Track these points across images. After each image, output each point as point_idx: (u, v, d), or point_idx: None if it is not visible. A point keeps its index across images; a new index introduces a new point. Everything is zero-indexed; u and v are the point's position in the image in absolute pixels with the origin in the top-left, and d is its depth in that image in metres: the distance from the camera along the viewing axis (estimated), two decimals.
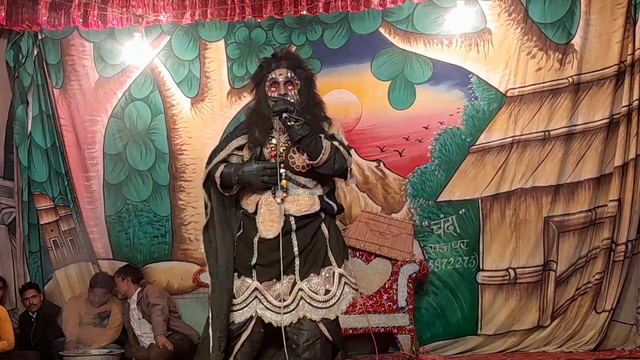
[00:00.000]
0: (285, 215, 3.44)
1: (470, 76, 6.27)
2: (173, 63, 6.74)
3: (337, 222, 6.22)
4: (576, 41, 6.04)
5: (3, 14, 6.09)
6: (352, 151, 6.35)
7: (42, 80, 6.77)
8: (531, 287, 6.06)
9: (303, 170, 3.46)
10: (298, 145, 3.42)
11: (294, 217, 3.46)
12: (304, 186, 3.49)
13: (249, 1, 6.14)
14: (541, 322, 6.02)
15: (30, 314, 6.36)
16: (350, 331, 5.74)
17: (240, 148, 3.63)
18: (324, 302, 3.38)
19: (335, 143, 3.45)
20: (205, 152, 6.62)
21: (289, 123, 3.36)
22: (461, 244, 6.21)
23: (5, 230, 6.79)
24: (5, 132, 6.84)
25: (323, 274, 3.44)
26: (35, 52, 6.75)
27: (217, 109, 6.64)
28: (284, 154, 3.47)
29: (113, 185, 6.80)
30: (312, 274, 3.43)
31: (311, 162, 3.40)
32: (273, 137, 3.46)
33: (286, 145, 3.49)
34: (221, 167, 3.58)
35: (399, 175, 6.37)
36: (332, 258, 3.47)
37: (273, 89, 3.54)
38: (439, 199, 6.28)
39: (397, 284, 5.81)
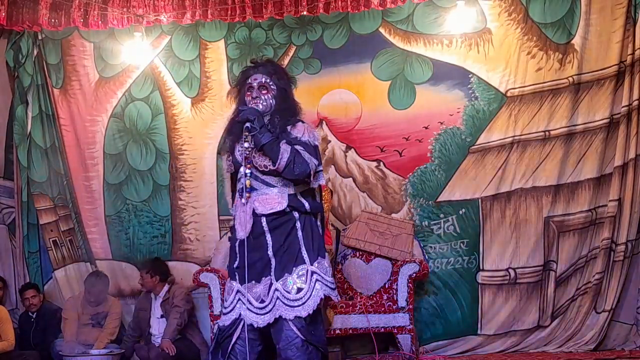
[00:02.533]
0: (257, 215, 3.55)
1: (470, 76, 6.27)
2: (173, 63, 6.75)
3: (337, 222, 6.34)
4: (576, 41, 6.05)
5: (3, 14, 6.08)
6: (352, 151, 6.52)
7: (42, 80, 6.77)
8: (531, 287, 6.05)
9: (266, 170, 3.56)
10: (261, 151, 3.56)
11: (265, 217, 3.55)
12: (272, 185, 3.59)
13: (249, 1, 6.13)
14: (541, 322, 6.02)
15: (30, 314, 6.36)
16: (350, 331, 5.74)
17: None
18: (295, 300, 3.45)
19: (297, 147, 3.51)
20: (205, 152, 6.71)
21: (245, 133, 3.51)
22: (461, 244, 6.21)
23: (5, 230, 6.78)
24: (6, 132, 6.83)
25: (296, 272, 3.50)
26: (35, 52, 6.75)
27: (218, 109, 6.63)
28: (250, 155, 3.57)
29: (113, 185, 6.80)
30: (286, 274, 3.51)
31: (273, 168, 3.51)
32: (247, 140, 3.54)
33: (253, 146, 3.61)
34: None
35: (399, 175, 6.36)
36: (305, 256, 3.54)
37: (248, 93, 3.69)
38: (439, 199, 6.28)
39: (397, 284, 5.80)
